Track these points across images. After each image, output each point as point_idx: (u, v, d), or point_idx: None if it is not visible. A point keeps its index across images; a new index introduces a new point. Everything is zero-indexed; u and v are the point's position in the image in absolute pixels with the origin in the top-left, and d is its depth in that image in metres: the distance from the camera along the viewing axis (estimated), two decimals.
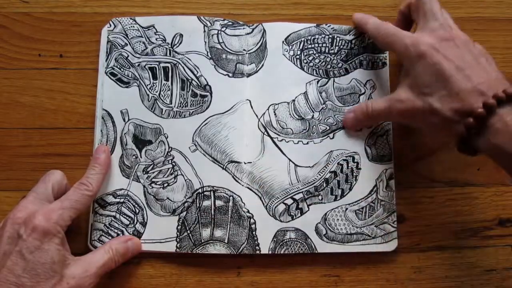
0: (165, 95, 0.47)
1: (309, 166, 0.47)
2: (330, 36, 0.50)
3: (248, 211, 0.46)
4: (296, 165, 0.47)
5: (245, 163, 0.47)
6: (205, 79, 0.48)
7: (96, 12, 0.50)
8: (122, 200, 0.46)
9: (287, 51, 0.49)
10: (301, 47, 0.49)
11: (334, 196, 0.47)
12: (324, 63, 0.49)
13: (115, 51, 0.48)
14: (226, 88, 0.48)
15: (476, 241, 0.48)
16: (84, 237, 0.45)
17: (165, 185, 0.46)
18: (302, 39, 0.49)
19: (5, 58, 0.49)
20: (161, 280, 0.45)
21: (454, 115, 0.39)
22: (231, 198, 0.46)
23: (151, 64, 0.48)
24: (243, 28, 0.49)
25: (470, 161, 0.49)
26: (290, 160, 0.47)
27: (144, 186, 0.46)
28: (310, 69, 0.49)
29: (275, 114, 0.48)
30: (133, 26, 0.49)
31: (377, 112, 0.45)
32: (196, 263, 0.46)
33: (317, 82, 0.49)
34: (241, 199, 0.46)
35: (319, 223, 0.46)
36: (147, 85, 0.47)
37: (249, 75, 0.48)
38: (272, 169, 0.47)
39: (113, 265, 0.42)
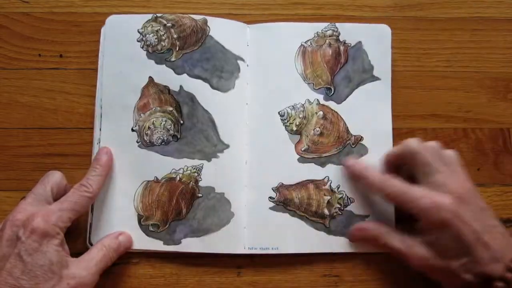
0: None
1: None
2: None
3: None
4: None
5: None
6: None
7: (96, 12, 0.50)
8: None
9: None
10: None
11: None
12: None
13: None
14: None
15: None
16: (83, 237, 0.45)
17: None
18: None
19: (5, 58, 0.49)
20: (161, 280, 0.45)
21: (474, 279, 0.39)
22: None
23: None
24: None
25: (470, 161, 0.49)
26: None
27: None
28: None
29: None
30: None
31: (389, 248, 0.44)
32: (196, 263, 0.46)
33: None
34: None
35: None
36: None
37: None
38: None
39: (109, 262, 0.42)
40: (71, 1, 0.50)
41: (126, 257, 0.45)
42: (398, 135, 0.49)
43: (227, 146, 0.47)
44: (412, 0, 0.52)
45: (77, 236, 0.45)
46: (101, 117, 0.47)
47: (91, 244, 0.44)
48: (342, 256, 0.46)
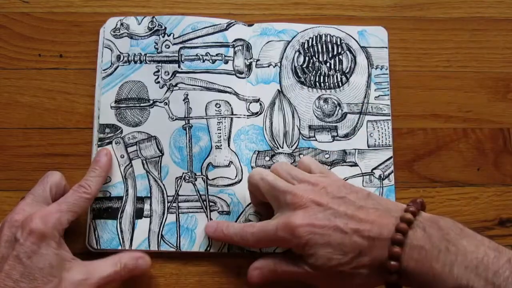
0: None
1: None
2: None
3: None
4: None
5: None
6: None
7: (96, 12, 0.50)
8: None
9: None
10: None
11: None
12: None
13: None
14: None
15: None
16: (83, 238, 0.45)
17: None
18: None
19: (5, 58, 0.49)
20: (161, 280, 0.45)
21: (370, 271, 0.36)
22: None
23: None
24: None
25: (470, 161, 0.49)
26: None
27: None
28: None
29: None
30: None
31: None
32: (196, 263, 0.46)
33: None
34: None
35: None
36: None
37: None
38: None
39: (118, 278, 0.40)
40: (71, 1, 0.50)
41: None
42: (398, 135, 0.49)
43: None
44: (412, 0, 0.52)
45: (77, 236, 0.45)
46: (99, 118, 0.47)
47: (90, 246, 0.44)
48: None
